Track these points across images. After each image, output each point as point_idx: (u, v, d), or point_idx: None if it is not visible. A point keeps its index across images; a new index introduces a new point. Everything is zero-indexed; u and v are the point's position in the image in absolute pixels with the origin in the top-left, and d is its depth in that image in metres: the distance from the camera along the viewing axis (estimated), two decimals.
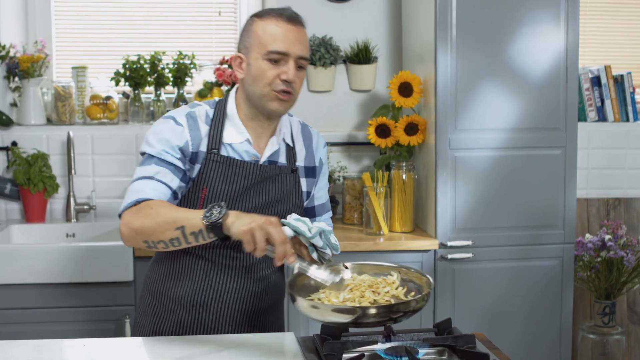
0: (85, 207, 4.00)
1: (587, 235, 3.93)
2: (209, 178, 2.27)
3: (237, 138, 2.31)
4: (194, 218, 2.00)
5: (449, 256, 3.62)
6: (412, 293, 2.09)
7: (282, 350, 2.11)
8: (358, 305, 1.99)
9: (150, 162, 2.22)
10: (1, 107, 3.99)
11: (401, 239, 3.65)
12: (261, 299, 2.41)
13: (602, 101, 4.36)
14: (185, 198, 2.29)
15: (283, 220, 2.08)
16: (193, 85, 4.20)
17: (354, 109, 4.22)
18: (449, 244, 3.63)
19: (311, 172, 2.47)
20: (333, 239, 2.16)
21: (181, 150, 2.24)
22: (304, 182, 2.45)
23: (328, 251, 2.15)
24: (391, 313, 1.93)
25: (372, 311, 1.91)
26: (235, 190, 2.28)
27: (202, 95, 4.07)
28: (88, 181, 4.07)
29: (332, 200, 4.01)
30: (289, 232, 2.08)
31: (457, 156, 3.61)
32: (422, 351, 1.99)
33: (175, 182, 2.22)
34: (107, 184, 4.08)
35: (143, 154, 2.26)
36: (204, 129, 2.29)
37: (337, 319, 1.95)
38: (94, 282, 3.45)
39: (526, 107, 3.65)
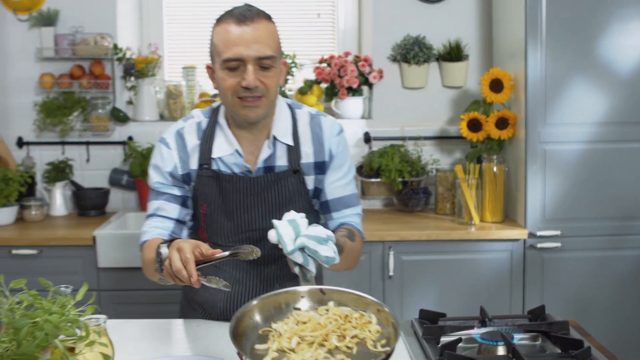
0: None
1: None
2: (204, 194, 2.15)
3: (227, 150, 2.13)
4: (154, 261, 1.96)
5: (538, 245, 3.55)
6: (383, 341, 1.64)
7: None
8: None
9: (152, 196, 2.18)
10: (118, 105, 4.09)
11: (492, 229, 3.59)
12: None
13: None
14: (193, 216, 2.22)
15: (274, 221, 1.87)
16: (294, 83, 4.22)
17: (446, 105, 4.17)
18: (538, 233, 3.56)
19: (321, 167, 2.19)
20: (327, 250, 1.84)
21: (172, 175, 2.14)
22: (311, 180, 2.19)
23: (311, 268, 1.85)
24: None
25: None
26: (231, 205, 2.15)
27: (302, 92, 4.09)
28: None
29: (425, 191, 3.99)
30: (273, 237, 1.86)
31: (546, 149, 3.54)
32: (516, 337, 1.96)
33: (175, 211, 2.15)
34: None
35: None
36: (194, 144, 2.15)
37: None
38: None
39: (614, 102, 3.55)
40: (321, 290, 1.77)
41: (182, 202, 2.16)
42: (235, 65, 1.99)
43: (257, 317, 1.72)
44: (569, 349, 1.86)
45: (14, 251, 3.49)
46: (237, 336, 1.62)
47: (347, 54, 4.12)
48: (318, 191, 2.21)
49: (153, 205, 2.17)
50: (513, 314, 2.11)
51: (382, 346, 1.61)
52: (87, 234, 3.53)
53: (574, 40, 3.51)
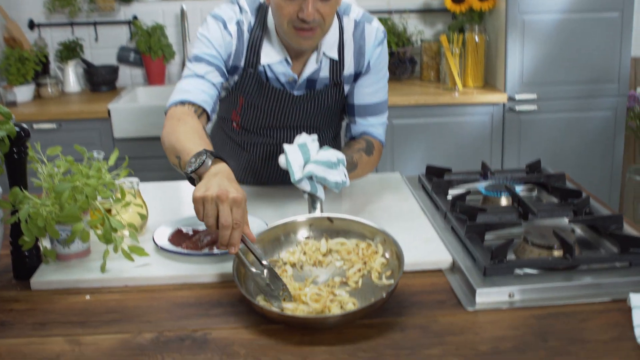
0: None
1: (638, 89, 3.71)
2: (245, 91, 1.90)
3: (275, 57, 1.85)
4: (189, 156, 1.54)
5: (516, 108, 3.46)
6: (388, 273, 1.45)
7: (392, 187, 2.02)
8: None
9: (194, 60, 1.82)
10: None
11: (473, 94, 3.49)
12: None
13: None
14: (226, 100, 1.98)
15: (284, 145, 1.66)
16: None
17: None
18: (517, 97, 3.46)
19: (358, 76, 1.95)
20: (336, 175, 1.64)
21: (224, 58, 1.83)
22: (347, 88, 1.96)
23: (320, 195, 1.65)
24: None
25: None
26: (268, 109, 1.93)
27: None
28: None
29: (411, 60, 3.85)
30: (282, 163, 1.65)
31: (525, 19, 3.39)
32: (517, 188, 1.89)
33: (218, 80, 1.82)
34: None
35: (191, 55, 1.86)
36: (246, 37, 1.85)
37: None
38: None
39: None
40: (329, 219, 1.57)
41: (224, 77, 1.86)
42: None
43: (263, 246, 1.51)
44: (567, 198, 1.79)
45: (35, 126, 3.34)
46: (241, 269, 1.42)
47: None
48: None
49: (195, 67, 1.81)
50: (512, 168, 2.02)
51: (387, 277, 1.44)
52: (102, 107, 3.39)
53: None
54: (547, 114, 3.50)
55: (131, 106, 3.42)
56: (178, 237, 1.65)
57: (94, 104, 3.48)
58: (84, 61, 3.85)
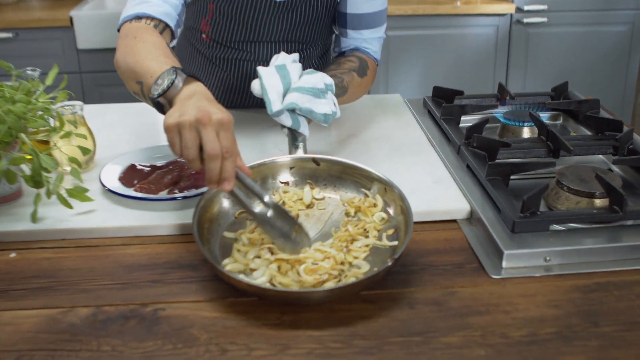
0: None
1: None
2: None
3: None
4: (153, 78, 1.18)
5: (525, 20, 3.11)
6: (390, 232, 1.14)
7: (391, 112, 1.69)
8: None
9: None
10: None
11: (477, 3, 3.12)
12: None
13: None
14: (194, 6, 1.60)
15: (259, 69, 1.31)
16: None
17: None
18: (526, 7, 3.10)
19: None
20: (322, 108, 1.30)
21: None
22: None
23: (304, 130, 1.31)
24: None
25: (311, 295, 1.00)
26: (244, 21, 1.56)
27: None
28: None
29: None
30: (257, 90, 1.31)
31: None
32: (541, 114, 1.57)
33: None
34: None
35: None
36: None
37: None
38: None
39: None
40: (314, 161, 1.24)
41: None
42: None
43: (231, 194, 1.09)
44: (604, 130, 1.48)
45: None
46: (206, 223, 1.12)
47: None
48: None
49: None
50: (534, 92, 1.69)
51: (389, 238, 1.13)
52: (63, 14, 3.00)
53: None
54: (558, 27, 3.15)
55: (97, 13, 3.03)
56: (131, 175, 1.33)
57: (56, 10, 3.09)
58: None
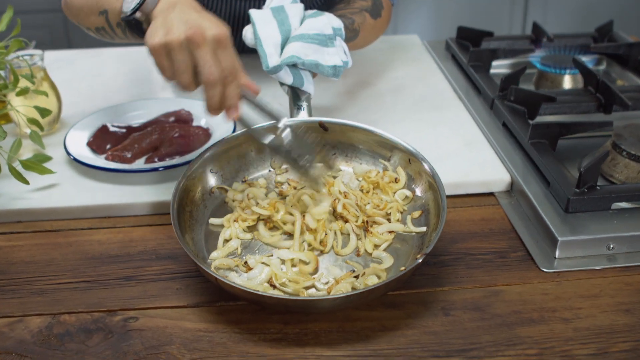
0: None
1: None
2: None
3: None
4: (118, 2, 0.99)
5: None
6: (416, 214, 0.92)
7: (408, 57, 1.46)
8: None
9: None
10: None
11: None
12: None
13: None
14: None
15: (251, 12, 1.06)
16: None
17: None
18: None
19: None
20: (330, 59, 1.05)
21: None
22: None
23: (308, 88, 1.06)
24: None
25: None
26: None
27: None
28: None
29: None
30: (249, 39, 1.06)
31: None
32: (585, 58, 1.35)
33: None
34: None
35: None
36: None
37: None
38: None
39: None
40: (321, 125, 1.00)
41: None
42: None
43: (222, 169, 0.97)
44: None
45: None
46: (188, 206, 0.91)
47: None
48: None
49: None
50: (573, 33, 1.45)
51: (415, 222, 0.91)
52: None
53: None
54: None
55: None
56: (103, 139, 1.11)
57: None
58: None
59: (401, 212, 0.93)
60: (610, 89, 1.14)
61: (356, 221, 0.90)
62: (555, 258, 0.88)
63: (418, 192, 0.94)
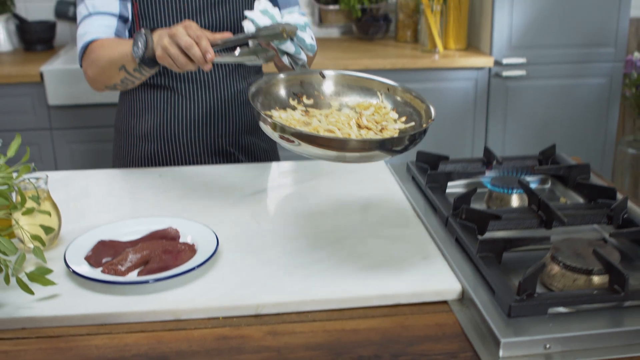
0: None
1: (636, 54, 3.34)
2: None
3: None
4: (128, 54, 1.47)
5: (504, 73, 3.08)
6: (411, 124, 1.32)
7: (373, 178, 1.62)
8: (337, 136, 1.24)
9: None
10: None
11: (456, 57, 3.09)
12: (231, 120, 1.78)
13: None
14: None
15: (247, 13, 1.46)
16: None
17: None
18: (504, 61, 3.07)
19: None
20: (308, 37, 1.49)
21: None
22: None
23: (302, 56, 1.49)
24: (380, 147, 1.17)
25: (355, 144, 1.16)
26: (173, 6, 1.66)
27: None
28: None
29: (385, 18, 3.43)
30: (249, 27, 1.45)
31: None
32: (530, 179, 1.52)
33: (114, 5, 1.63)
34: None
35: None
36: None
37: (317, 152, 1.17)
38: None
39: None
40: (321, 74, 1.42)
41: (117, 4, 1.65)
42: None
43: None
44: (597, 198, 1.41)
45: None
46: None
47: None
48: None
49: (87, 3, 1.63)
50: (521, 155, 1.63)
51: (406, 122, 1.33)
52: (34, 70, 2.92)
53: None
54: (537, 80, 3.13)
55: (69, 68, 2.95)
56: (99, 253, 1.24)
57: (26, 66, 3.00)
58: (17, 16, 3.36)
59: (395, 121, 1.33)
60: (549, 207, 1.30)
61: (375, 127, 1.28)
62: (500, 357, 1.01)
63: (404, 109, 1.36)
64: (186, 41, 1.30)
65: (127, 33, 1.67)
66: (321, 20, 3.53)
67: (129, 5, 1.66)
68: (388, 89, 1.39)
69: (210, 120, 1.75)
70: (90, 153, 2.99)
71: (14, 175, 1.20)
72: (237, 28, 1.71)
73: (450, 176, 1.52)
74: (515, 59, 3.08)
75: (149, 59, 1.41)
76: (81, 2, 1.65)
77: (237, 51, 1.38)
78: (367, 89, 1.42)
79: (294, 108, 1.37)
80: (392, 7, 3.50)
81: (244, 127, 1.80)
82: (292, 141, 1.16)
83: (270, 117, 1.28)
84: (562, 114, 3.19)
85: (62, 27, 3.46)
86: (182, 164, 1.75)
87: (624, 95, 3.37)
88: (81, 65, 1.64)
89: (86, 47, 1.61)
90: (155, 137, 1.75)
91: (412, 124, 1.32)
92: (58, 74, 2.91)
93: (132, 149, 1.79)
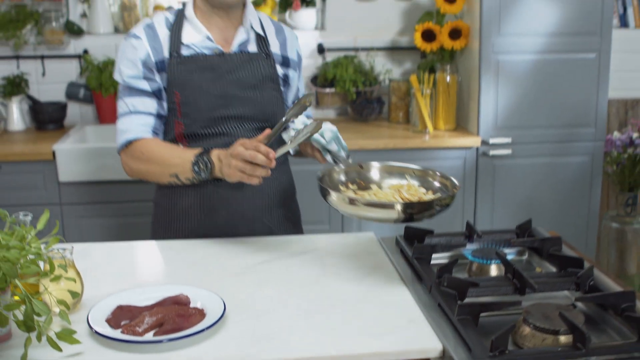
0: None
1: (615, 133, 3.55)
2: (178, 81, 1.89)
3: (196, 37, 1.92)
4: (185, 166, 1.78)
5: (490, 153, 3.27)
6: (437, 195, 1.71)
7: (365, 251, 1.78)
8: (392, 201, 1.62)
9: (124, 93, 1.91)
10: (72, 18, 3.60)
11: (445, 137, 3.28)
12: (267, 195, 1.98)
13: (625, 9, 3.92)
14: (167, 124, 1.95)
15: (293, 125, 1.78)
16: None
17: (398, 16, 3.78)
18: (491, 141, 3.27)
19: (287, 61, 2.04)
20: (343, 141, 1.84)
21: (145, 64, 1.89)
22: (279, 68, 2.01)
23: (342, 153, 1.83)
24: (428, 209, 1.56)
25: (410, 207, 1.54)
26: (207, 83, 1.90)
27: (256, 4, 3.65)
28: None
29: (379, 100, 3.65)
30: (290, 135, 1.79)
31: (499, 59, 3.21)
32: (507, 252, 1.67)
33: (152, 105, 1.90)
34: None
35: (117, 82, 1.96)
36: (164, 33, 1.92)
37: (374, 215, 1.56)
38: None
39: (565, 13, 3.22)
40: (360, 165, 1.81)
41: (157, 95, 1.91)
42: None
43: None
44: (567, 267, 1.57)
45: None
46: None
47: None
48: (284, 82, 2.04)
49: (127, 102, 1.90)
50: (500, 229, 1.80)
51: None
52: (46, 148, 3.10)
53: None
54: (522, 159, 3.32)
55: (79, 147, 3.14)
56: (118, 316, 1.39)
57: (39, 144, 3.19)
58: (30, 97, 3.57)
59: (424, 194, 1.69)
60: (522, 276, 1.45)
61: (413, 198, 1.65)
62: None
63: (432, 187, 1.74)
64: (250, 154, 1.60)
65: (162, 126, 1.94)
66: (318, 102, 3.74)
67: (165, 104, 1.91)
68: (413, 172, 1.79)
69: (247, 194, 1.94)
70: (97, 227, 3.14)
71: (43, 246, 1.36)
72: (270, 113, 1.97)
73: (435, 248, 1.68)
74: (501, 139, 3.27)
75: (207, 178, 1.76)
76: (121, 99, 1.91)
77: (290, 142, 1.69)
78: (397, 173, 1.81)
79: (345, 190, 1.73)
80: (385, 90, 3.72)
81: (277, 201, 2.01)
82: (357, 206, 1.55)
83: (344, 193, 1.69)
84: (547, 190, 3.36)
85: (72, 108, 3.67)
86: (219, 236, 1.91)
87: (607, 172, 3.56)
88: (118, 153, 1.92)
89: (128, 143, 1.87)
90: (196, 212, 1.94)
91: (439, 194, 1.69)
92: (69, 152, 3.09)
93: (174, 223, 1.96)
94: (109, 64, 3.55)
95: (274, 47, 2.01)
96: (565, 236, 3.27)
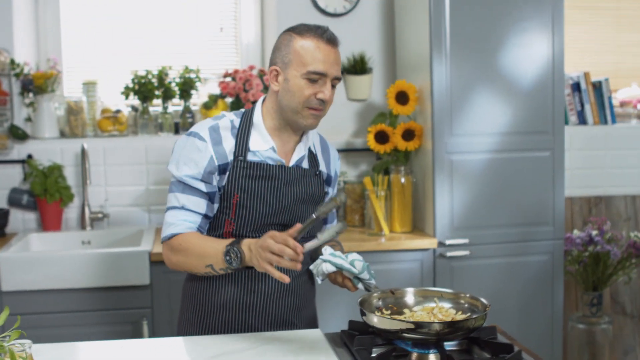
0: (99, 215, 3.96)
1: (575, 231, 3.93)
2: (237, 184, 2.23)
3: (263, 146, 2.26)
4: (218, 257, 2.09)
5: (448, 254, 3.61)
6: (468, 314, 2.08)
7: (311, 347, 2.08)
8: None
9: (178, 188, 2.25)
10: (17, 122, 3.94)
11: (401, 239, 3.63)
12: (298, 295, 2.36)
13: (582, 105, 4.36)
14: (219, 205, 2.28)
15: (322, 257, 2.15)
16: (198, 97, 4.17)
17: (351, 118, 4.20)
18: (447, 242, 3.61)
19: (329, 180, 2.46)
20: (371, 269, 2.19)
21: (206, 168, 2.22)
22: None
23: (373, 281, 2.16)
24: (461, 330, 1.93)
25: (444, 328, 1.90)
26: (263, 193, 2.24)
27: (207, 107, 4.03)
28: (101, 191, 4.01)
29: None
30: (330, 268, 2.13)
31: (453, 159, 3.61)
32: (445, 343, 1.98)
33: (202, 206, 2.24)
34: (120, 193, 4.03)
35: (171, 173, 2.28)
36: (229, 139, 2.26)
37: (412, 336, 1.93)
38: (111, 286, 3.40)
39: (517, 112, 3.66)
40: (391, 291, 2.18)
41: (210, 198, 2.24)
42: (316, 77, 2.18)
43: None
44: (499, 353, 1.89)
45: None
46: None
47: (251, 67, 4.09)
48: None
49: (180, 198, 2.24)
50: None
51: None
52: None
53: (476, 53, 3.60)
54: (480, 260, 3.66)
55: (22, 255, 3.41)
56: None
57: None
58: None
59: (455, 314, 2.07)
60: None
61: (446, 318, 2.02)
62: None
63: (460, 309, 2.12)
64: (278, 248, 1.91)
65: (207, 225, 2.27)
66: None
67: (215, 206, 2.26)
68: (442, 295, 2.18)
69: (281, 294, 2.32)
70: (47, 340, 3.37)
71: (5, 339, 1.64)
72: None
73: (375, 340, 1.98)
74: (458, 240, 3.63)
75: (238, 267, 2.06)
76: (173, 193, 2.26)
77: (318, 238, 2.00)
78: (425, 297, 2.19)
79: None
80: (339, 193, 4.08)
81: (305, 301, 2.39)
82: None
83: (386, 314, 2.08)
84: (508, 291, 3.70)
85: (15, 215, 3.95)
86: (251, 331, 2.28)
87: (569, 272, 3.91)
88: (162, 242, 2.25)
89: (171, 237, 2.21)
90: (233, 307, 2.29)
91: (469, 314, 2.05)
92: (12, 261, 3.36)
93: (211, 318, 2.30)
94: (54, 169, 3.87)
95: (322, 166, 2.40)
96: (530, 340, 3.66)
